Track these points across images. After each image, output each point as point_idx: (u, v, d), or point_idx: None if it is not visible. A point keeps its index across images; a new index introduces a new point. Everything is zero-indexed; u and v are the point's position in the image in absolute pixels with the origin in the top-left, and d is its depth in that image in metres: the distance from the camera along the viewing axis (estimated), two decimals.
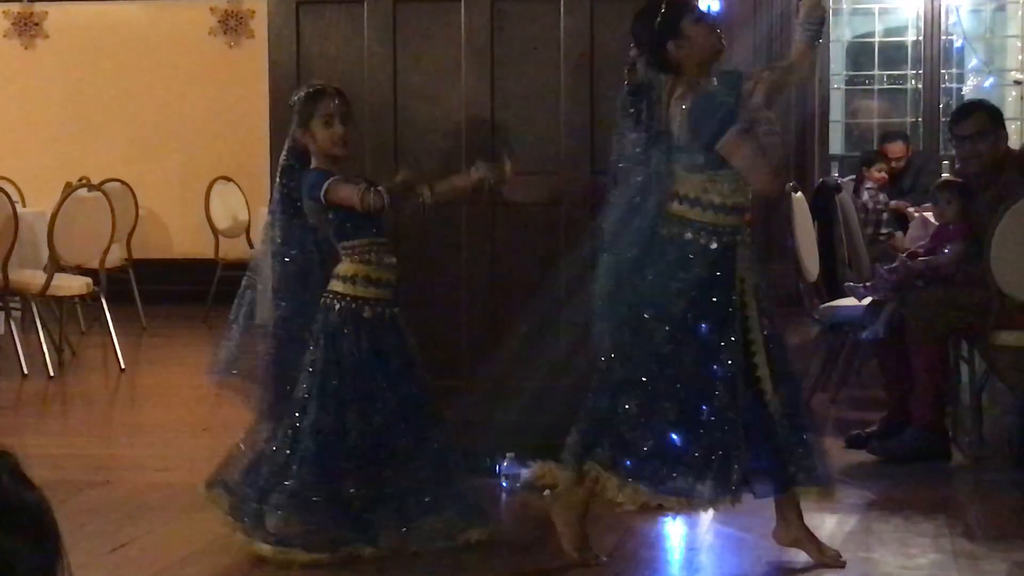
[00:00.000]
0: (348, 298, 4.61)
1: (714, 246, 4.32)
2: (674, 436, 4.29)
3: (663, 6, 4.36)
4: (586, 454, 4.38)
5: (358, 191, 4.52)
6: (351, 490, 4.55)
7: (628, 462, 4.29)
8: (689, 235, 4.33)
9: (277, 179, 4.79)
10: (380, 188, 4.54)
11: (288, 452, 4.58)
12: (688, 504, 4.30)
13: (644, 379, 4.33)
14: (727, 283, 4.34)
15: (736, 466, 4.27)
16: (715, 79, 4.41)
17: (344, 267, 4.63)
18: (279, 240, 4.75)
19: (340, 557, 4.50)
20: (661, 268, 4.35)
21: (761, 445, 4.36)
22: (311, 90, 4.71)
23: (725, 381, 4.29)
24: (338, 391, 4.57)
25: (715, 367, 4.29)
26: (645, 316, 4.37)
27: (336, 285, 4.63)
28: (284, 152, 4.78)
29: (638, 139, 4.38)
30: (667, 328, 4.32)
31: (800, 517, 4.49)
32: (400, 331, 4.71)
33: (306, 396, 4.59)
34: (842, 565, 4.45)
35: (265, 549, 4.53)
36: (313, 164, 4.66)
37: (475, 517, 4.68)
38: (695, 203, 4.33)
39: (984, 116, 5.97)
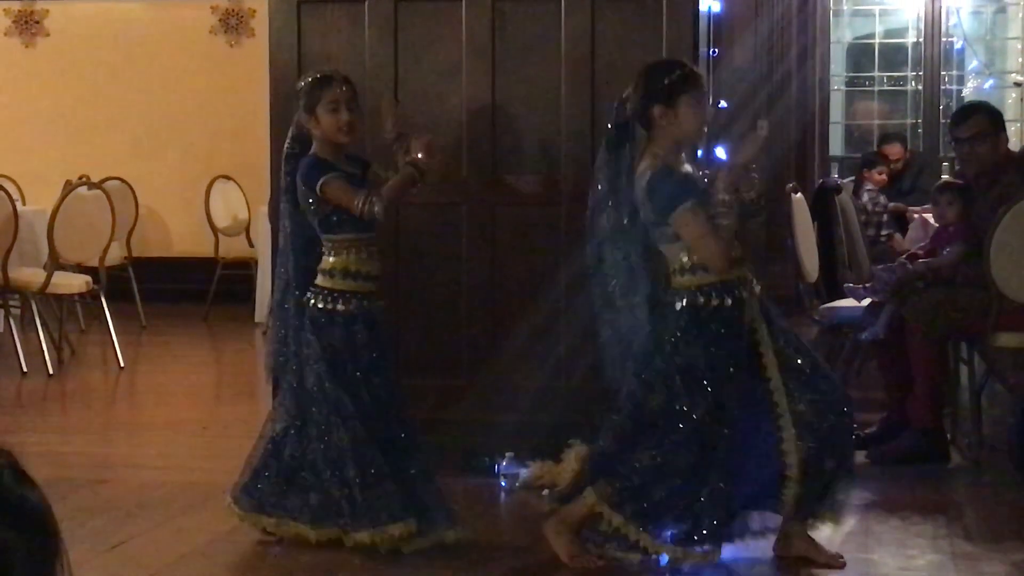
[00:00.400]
0: (326, 291, 4.62)
1: (728, 303, 4.34)
2: (682, 491, 4.34)
3: (676, 73, 4.39)
4: (591, 481, 4.45)
5: (357, 201, 4.51)
6: (316, 480, 4.57)
7: (635, 507, 4.35)
8: (703, 300, 4.35)
9: (283, 166, 4.78)
10: (375, 200, 4.51)
11: (271, 442, 4.69)
12: (684, 556, 4.36)
13: (659, 434, 4.37)
14: (737, 335, 4.37)
15: (734, 520, 4.39)
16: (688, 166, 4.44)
17: (325, 260, 4.63)
18: (289, 230, 4.75)
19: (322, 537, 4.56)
20: (671, 331, 4.38)
21: (766, 493, 4.42)
22: (318, 76, 4.69)
23: (730, 439, 4.35)
24: (314, 384, 4.59)
25: (725, 423, 4.35)
26: (656, 373, 4.41)
27: (318, 278, 4.64)
28: (288, 139, 4.77)
29: (607, 185, 4.43)
30: (679, 384, 4.35)
31: (804, 530, 4.51)
32: (377, 327, 4.68)
33: (293, 386, 4.66)
34: (842, 566, 4.47)
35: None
36: (315, 150, 4.64)
37: (441, 519, 4.63)
38: (695, 269, 4.36)
39: (983, 118, 5.96)
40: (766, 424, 4.39)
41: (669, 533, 4.34)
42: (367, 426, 4.57)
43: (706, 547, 4.34)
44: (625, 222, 4.44)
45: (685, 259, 4.36)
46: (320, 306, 4.60)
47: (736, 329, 4.37)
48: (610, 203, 4.44)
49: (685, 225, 4.31)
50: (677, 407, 4.35)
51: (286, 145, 4.77)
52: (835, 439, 4.42)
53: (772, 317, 4.46)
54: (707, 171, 4.50)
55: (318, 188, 4.54)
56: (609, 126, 4.51)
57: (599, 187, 4.49)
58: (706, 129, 4.50)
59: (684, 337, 4.36)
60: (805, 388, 4.40)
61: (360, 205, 4.50)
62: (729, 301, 4.34)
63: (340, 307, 4.60)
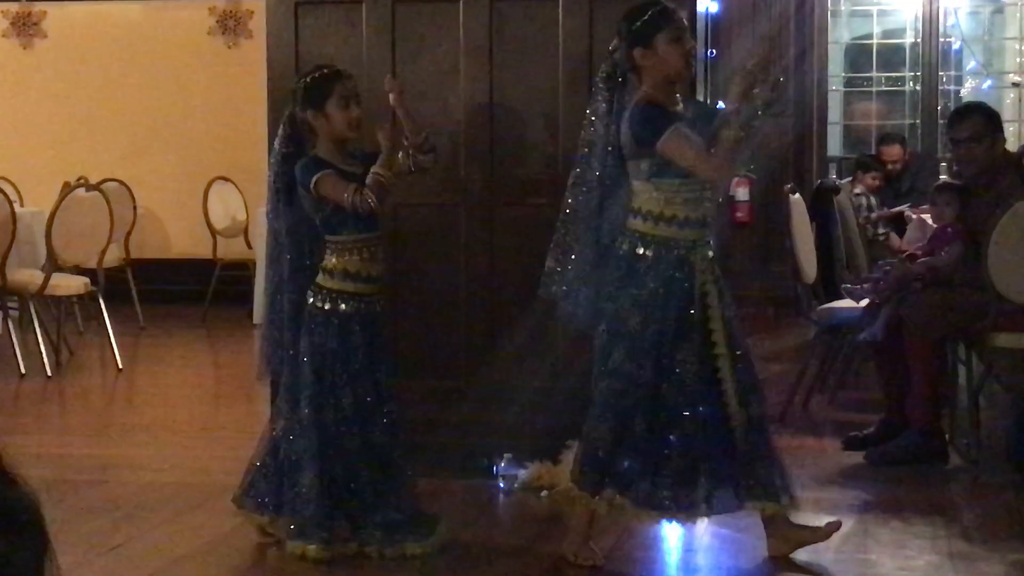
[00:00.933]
0: (326, 291, 4.59)
1: (669, 259, 4.33)
2: (645, 451, 4.33)
3: (649, 13, 4.38)
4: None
5: (346, 193, 4.46)
6: (305, 483, 4.54)
7: (607, 479, 4.35)
8: (643, 250, 4.34)
9: (275, 169, 4.66)
10: (367, 192, 4.45)
11: (270, 441, 4.69)
12: (659, 516, 4.38)
13: (612, 399, 4.38)
14: (685, 297, 4.35)
15: (702, 479, 4.33)
16: (685, 103, 4.43)
17: (327, 259, 4.60)
18: (285, 230, 4.67)
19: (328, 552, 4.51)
20: (617, 283, 4.38)
21: (722, 459, 4.38)
22: (324, 71, 4.61)
23: (685, 397, 4.33)
24: (306, 384, 4.57)
25: (673, 383, 4.33)
26: (605, 332, 4.40)
27: (319, 277, 4.61)
28: (282, 139, 4.66)
29: (602, 128, 4.40)
30: (626, 344, 4.34)
31: (790, 522, 4.52)
32: (375, 329, 4.65)
33: (287, 385, 4.65)
34: (838, 526, 4.54)
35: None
36: (320, 148, 4.58)
37: (412, 529, 4.58)
38: (650, 217, 4.35)
39: (980, 119, 5.96)
40: (713, 392, 4.38)
41: (645, 499, 4.33)
42: (339, 433, 4.55)
43: (665, 510, 4.34)
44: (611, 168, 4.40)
45: (635, 203, 4.35)
46: (319, 305, 4.58)
47: (681, 291, 4.34)
48: (600, 148, 4.40)
49: (675, 148, 4.25)
50: (606, 364, 4.36)
51: (279, 145, 4.66)
52: (758, 425, 4.44)
53: (723, 289, 4.44)
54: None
55: (311, 187, 4.51)
56: (598, 77, 4.48)
57: (590, 130, 4.43)
58: (692, 62, 4.46)
59: (619, 284, 4.36)
60: (740, 369, 4.42)
61: (349, 197, 4.44)
62: (670, 257, 4.32)
63: (341, 307, 4.57)
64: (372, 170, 4.52)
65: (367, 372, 4.61)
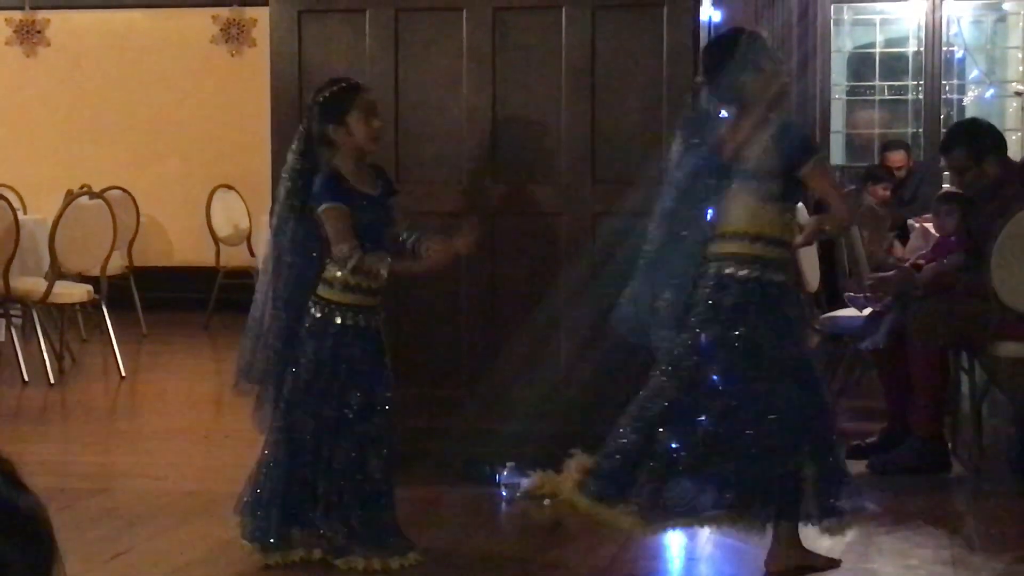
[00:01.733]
0: (323, 301, 4.57)
1: (742, 274, 4.37)
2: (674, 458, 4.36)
3: (741, 39, 4.44)
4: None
5: (344, 246, 4.44)
6: (291, 494, 4.55)
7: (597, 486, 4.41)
8: (729, 269, 4.38)
9: (289, 185, 4.58)
10: (372, 266, 4.47)
11: (263, 452, 4.66)
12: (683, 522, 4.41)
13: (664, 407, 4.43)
14: (740, 315, 4.39)
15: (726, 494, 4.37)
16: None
17: (329, 270, 4.57)
18: (289, 239, 4.62)
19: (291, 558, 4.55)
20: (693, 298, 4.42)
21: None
22: (344, 84, 4.57)
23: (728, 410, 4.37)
24: (297, 391, 4.58)
25: (717, 394, 4.38)
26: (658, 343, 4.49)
27: (320, 289, 4.58)
28: (296, 154, 4.58)
29: (694, 165, 4.43)
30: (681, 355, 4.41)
31: (795, 538, 4.50)
32: (370, 342, 4.61)
33: (278, 398, 4.65)
34: (839, 563, 4.52)
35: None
36: (339, 161, 4.52)
37: (374, 545, 4.54)
38: (744, 237, 4.38)
39: (961, 153, 5.86)
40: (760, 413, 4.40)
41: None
42: (315, 444, 4.55)
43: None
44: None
45: (762, 223, 4.38)
46: (317, 315, 4.56)
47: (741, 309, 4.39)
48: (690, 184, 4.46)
49: (819, 176, 4.43)
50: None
51: (293, 161, 4.57)
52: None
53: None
54: None
55: (321, 209, 4.49)
56: (686, 115, 4.54)
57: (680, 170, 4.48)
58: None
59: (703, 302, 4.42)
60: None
61: (346, 251, 4.44)
62: (743, 274, 4.37)
63: (336, 319, 4.55)
64: (398, 261, 4.58)
65: (360, 384, 4.57)
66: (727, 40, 4.50)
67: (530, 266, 5.69)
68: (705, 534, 4.84)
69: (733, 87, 4.41)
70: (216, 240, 11.05)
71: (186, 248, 11.75)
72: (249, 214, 11.19)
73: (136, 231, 10.41)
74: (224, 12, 11.80)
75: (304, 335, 4.58)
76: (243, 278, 10.74)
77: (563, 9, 5.62)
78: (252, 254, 10.80)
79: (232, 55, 11.80)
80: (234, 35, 11.80)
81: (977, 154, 5.84)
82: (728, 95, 4.43)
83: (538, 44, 5.67)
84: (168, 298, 11.02)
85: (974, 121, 7.00)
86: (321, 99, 4.56)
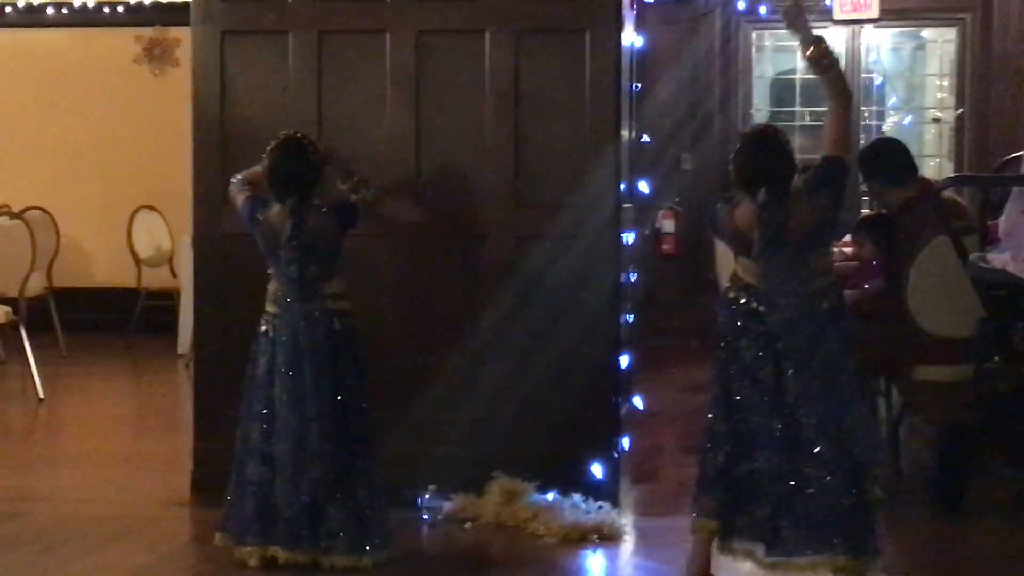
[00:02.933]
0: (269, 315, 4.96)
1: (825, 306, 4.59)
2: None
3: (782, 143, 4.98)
4: None
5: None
6: (258, 494, 4.77)
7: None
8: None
9: (302, 239, 4.85)
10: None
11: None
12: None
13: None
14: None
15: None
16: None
17: (333, 286, 4.94)
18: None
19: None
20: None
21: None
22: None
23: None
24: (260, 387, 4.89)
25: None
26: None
27: (329, 301, 4.91)
28: (295, 226, 4.83)
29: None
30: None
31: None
32: (349, 339, 4.94)
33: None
34: None
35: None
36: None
37: (348, 542, 4.75)
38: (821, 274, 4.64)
39: (884, 174, 5.99)
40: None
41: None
42: (278, 439, 4.76)
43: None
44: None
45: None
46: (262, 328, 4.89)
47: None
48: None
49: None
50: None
51: (294, 230, 4.84)
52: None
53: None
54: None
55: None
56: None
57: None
58: None
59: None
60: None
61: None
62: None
63: (335, 326, 4.92)
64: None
65: (328, 379, 4.80)
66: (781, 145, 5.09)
67: (455, 289, 5.69)
68: (626, 556, 4.86)
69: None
70: (138, 261, 10.96)
71: (107, 269, 11.64)
72: (171, 235, 11.11)
73: (56, 252, 10.31)
74: (147, 32, 11.72)
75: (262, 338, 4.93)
76: (165, 299, 10.66)
77: (487, 33, 5.64)
78: (174, 275, 10.72)
79: (155, 75, 11.72)
80: (157, 55, 11.72)
81: (896, 175, 5.91)
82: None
83: (462, 67, 5.68)
84: (88, 320, 10.90)
85: (887, 141, 7.09)
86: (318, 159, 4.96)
